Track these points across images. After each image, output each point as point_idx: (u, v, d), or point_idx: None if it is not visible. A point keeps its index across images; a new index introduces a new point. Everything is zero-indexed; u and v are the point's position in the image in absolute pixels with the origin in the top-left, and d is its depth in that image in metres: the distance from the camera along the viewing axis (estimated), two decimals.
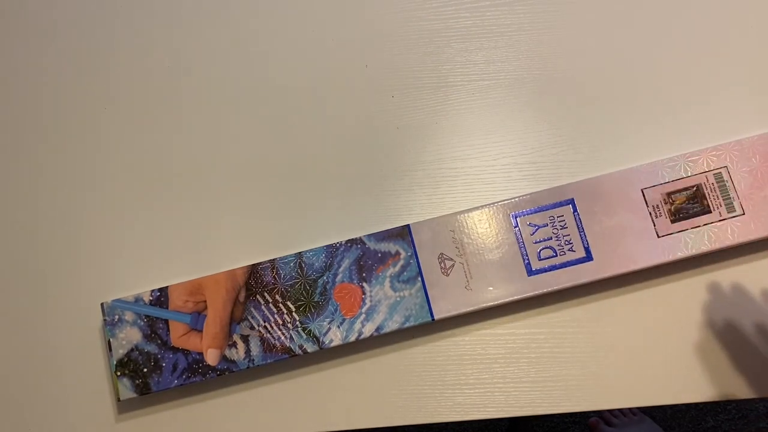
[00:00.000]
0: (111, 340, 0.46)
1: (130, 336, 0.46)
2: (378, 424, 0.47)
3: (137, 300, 0.46)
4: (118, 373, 0.46)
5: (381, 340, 0.48)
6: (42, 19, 0.55)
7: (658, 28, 0.52)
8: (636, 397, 0.47)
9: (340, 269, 0.46)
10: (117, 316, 0.46)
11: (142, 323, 0.46)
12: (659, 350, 0.47)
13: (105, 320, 0.46)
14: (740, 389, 0.46)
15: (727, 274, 0.48)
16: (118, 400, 0.45)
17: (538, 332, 0.48)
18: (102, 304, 0.46)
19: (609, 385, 0.47)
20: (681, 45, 0.52)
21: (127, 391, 0.45)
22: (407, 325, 0.46)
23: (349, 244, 0.47)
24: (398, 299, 0.46)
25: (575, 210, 0.46)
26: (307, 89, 0.53)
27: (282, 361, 0.48)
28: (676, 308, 0.48)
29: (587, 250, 0.46)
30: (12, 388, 0.49)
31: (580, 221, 0.46)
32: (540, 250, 0.46)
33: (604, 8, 0.53)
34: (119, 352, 0.46)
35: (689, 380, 0.47)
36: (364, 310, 0.46)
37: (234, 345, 0.46)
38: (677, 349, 0.47)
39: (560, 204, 0.47)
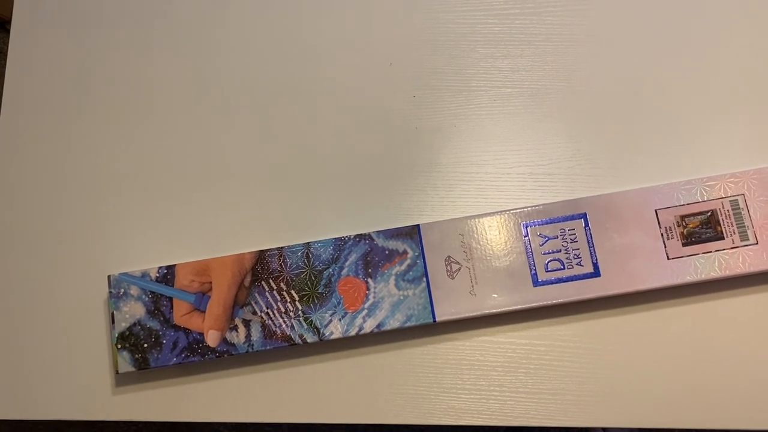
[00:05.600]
0: (114, 312, 0.46)
1: (133, 310, 0.46)
2: (371, 421, 0.47)
3: (144, 275, 0.47)
4: (119, 346, 0.46)
5: (381, 337, 0.48)
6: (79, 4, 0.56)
7: (686, 50, 0.52)
8: (632, 418, 0.46)
9: (347, 263, 0.46)
10: (122, 290, 0.47)
11: (147, 299, 0.47)
12: (660, 373, 0.47)
13: (110, 292, 0.47)
14: (741, 419, 0.46)
15: (735, 303, 0.48)
16: (117, 372, 0.46)
17: (539, 344, 0.48)
18: (109, 277, 0.47)
19: (606, 404, 0.47)
20: (709, 69, 0.52)
21: (126, 364, 0.46)
22: (408, 324, 0.46)
23: (357, 239, 0.47)
24: (401, 298, 0.46)
25: (587, 224, 0.46)
26: (329, 83, 0.53)
27: (281, 349, 0.48)
28: (681, 333, 0.47)
29: (595, 265, 0.46)
30: (13, 352, 0.50)
31: (591, 236, 0.46)
32: (548, 262, 0.46)
33: (631, 27, 0.53)
34: (122, 325, 0.46)
35: (688, 405, 0.46)
36: (366, 305, 0.46)
37: (235, 328, 0.46)
38: (678, 373, 0.47)
39: (572, 217, 0.47)
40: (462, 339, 0.48)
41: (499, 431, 1.07)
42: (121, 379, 0.49)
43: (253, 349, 0.46)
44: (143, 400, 0.48)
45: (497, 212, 0.47)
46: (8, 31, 1.25)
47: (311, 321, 0.46)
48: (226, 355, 0.46)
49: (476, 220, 0.47)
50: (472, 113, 0.52)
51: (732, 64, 0.52)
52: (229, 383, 0.48)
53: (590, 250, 0.46)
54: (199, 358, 0.46)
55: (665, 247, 0.46)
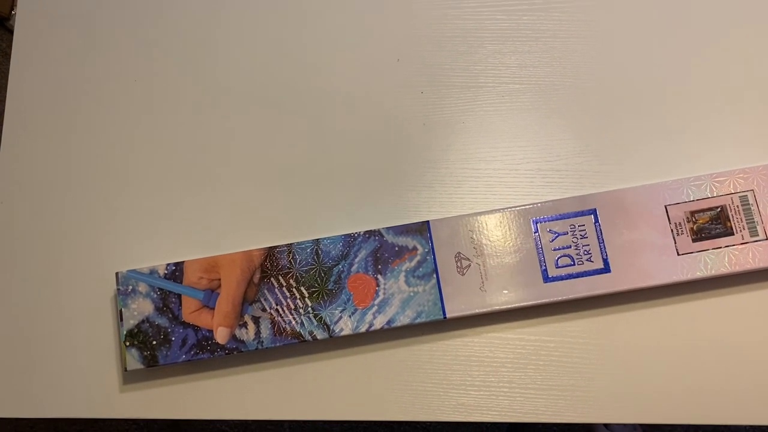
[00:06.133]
0: (123, 309, 0.46)
1: (142, 307, 0.46)
2: (380, 418, 0.47)
3: (152, 272, 0.47)
4: (127, 344, 0.46)
5: (390, 334, 0.48)
6: None
7: (695, 46, 0.52)
8: (641, 414, 0.46)
9: (356, 259, 0.46)
10: (131, 287, 0.46)
11: (155, 296, 0.46)
12: (669, 369, 0.47)
13: (118, 289, 0.46)
14: (751, 415, 0.46)
15: (745, 299, 0.48)
16: (125, 370, 0.46)
17: (549, 340, 0.48)
18: (117, 274, 0.47)
19: (615, 399, 0.47)
20: (717, 64, 0.52)
21: (134, 361, 0.46)
22: (419, 320, 0.45)
23: (367, 235, 0.47)
24: (412, 294, 0.46)
25: (597, 221, 0.46)
26: (337, 79, 0.53)
27: (291, 345, 0.48)
28: (690, 328, 0.47)
29: (605, 261, 0.46)
30: (20, 350, 0.49)
31: (601, 232, 0.46)
32: (558, 258, 0.46)
33: (640, 22, 0.53)
34: (130, 322, 0.46)
35: (697, 401, 0.46)
36: (376, 302, 0.46)
37: (244, 325, 0.46)
38: (688, 369, 0.47)
39: (582, 213, 0.46)
40: (471, 335, 0.48)
41: (501, 427, 1.08)
42: (129, 377, 0.48)
43: (262, 346, 0.45)
44: (151, 398, 0.48)
45: (507, 208, 0.47)
46: (6, 29, 1.24)
47: (321, 317, 0.46)
48: (235, 352, 0.45)
49: (486, 216, 0.47)
50: (480, 109, 0.52)
51: (741, 59, 0.52)
52: (239, 380, 0.48)
53: (600, 246, 0.46)
54: (209, 355, 0.45)
55: (675, 242, 0.46)
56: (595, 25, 0.53)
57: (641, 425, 1.03)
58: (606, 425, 1.04)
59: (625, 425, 1.04)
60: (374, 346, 0.48)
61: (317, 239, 0.47)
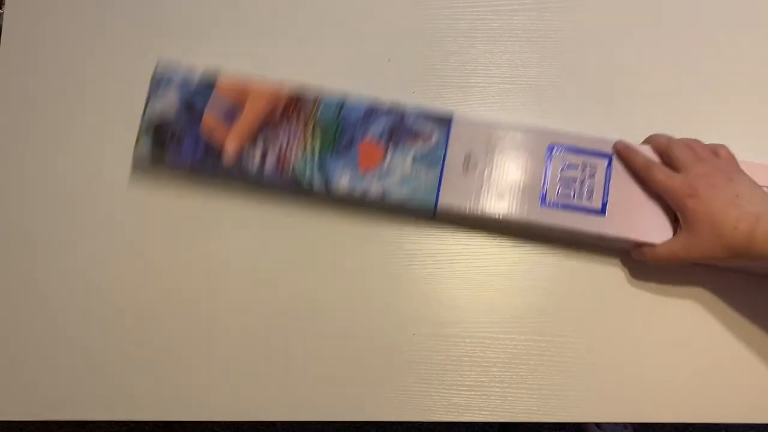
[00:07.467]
0: (151, 97, 0.48)
1: (169, 102, 0.48)
2: (372, 419, 0.47)
3: (189, 73, 0.48)
4: (145, 131, 0.47)
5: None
6: None
7: (686, 45, 0.52)
8: (632, 413, 0.47)
9: (374, 126, 0.47)
10: (166, 78, 0.48)
11: (184, 95, 0.48)
12: (659, 368, 0.47)
13: (154, 77, 0.48)
14: (739, 414, 0.46)
15: (734, 295, 0.48)
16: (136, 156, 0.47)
17: (540, 339, 0.48)
18: (158, 61, 0.48)
19: (606, 398, 0.47)
20: (709, 63, 0.52)
21: (144, 150, 0.47)
22: (410, 203, 0.46)
23: (391, 109, 0.48)
24: (413, 175, 0.46)
25: (609, 165, 0.46)
26: (327, 79, 0.53)
27: (288, 188, 0.48)
28: (682, 329, 0.47)
29: (604, 204, 0.46)
30: (8, 353, 0.49)
31: (610, 177, 0.46)
32: (560, 187, 0.46)
33: (630, 23, 0.53)
34: (154, 111, 0.47)
35: (688, 400, 0.47)
36: (379, 170, 0.46)
37: (253, 150, 0.47)
38: (679, 368, 0.47)
39: (599, 154, 0.47)
40: (463, 335, 0.48)
41: (492, 426, 1.08)
42: (136, 176, 0.48)
43: (263, 178, 0.46)
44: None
45: (530, 129, 0.47)
46: None
47: (325, 167, 0.46)
48: (236, 173, 0.46)
49: (508, 130, 0.47)
50: (471, 109, 0.52)
51: (732, 58, 0.52)
52: (230, 382, 0.47)
53: (604, 189, 0.46)
54: (212, 168, 0.47)
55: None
56: (587, 25, 0.53)
57: (632, 424, 1.04)
58: (597, 424, 1.05)
59: (615, 424, 1.04)
60: (364, 339, 0.48)
61: (344, 96, 0.48)
